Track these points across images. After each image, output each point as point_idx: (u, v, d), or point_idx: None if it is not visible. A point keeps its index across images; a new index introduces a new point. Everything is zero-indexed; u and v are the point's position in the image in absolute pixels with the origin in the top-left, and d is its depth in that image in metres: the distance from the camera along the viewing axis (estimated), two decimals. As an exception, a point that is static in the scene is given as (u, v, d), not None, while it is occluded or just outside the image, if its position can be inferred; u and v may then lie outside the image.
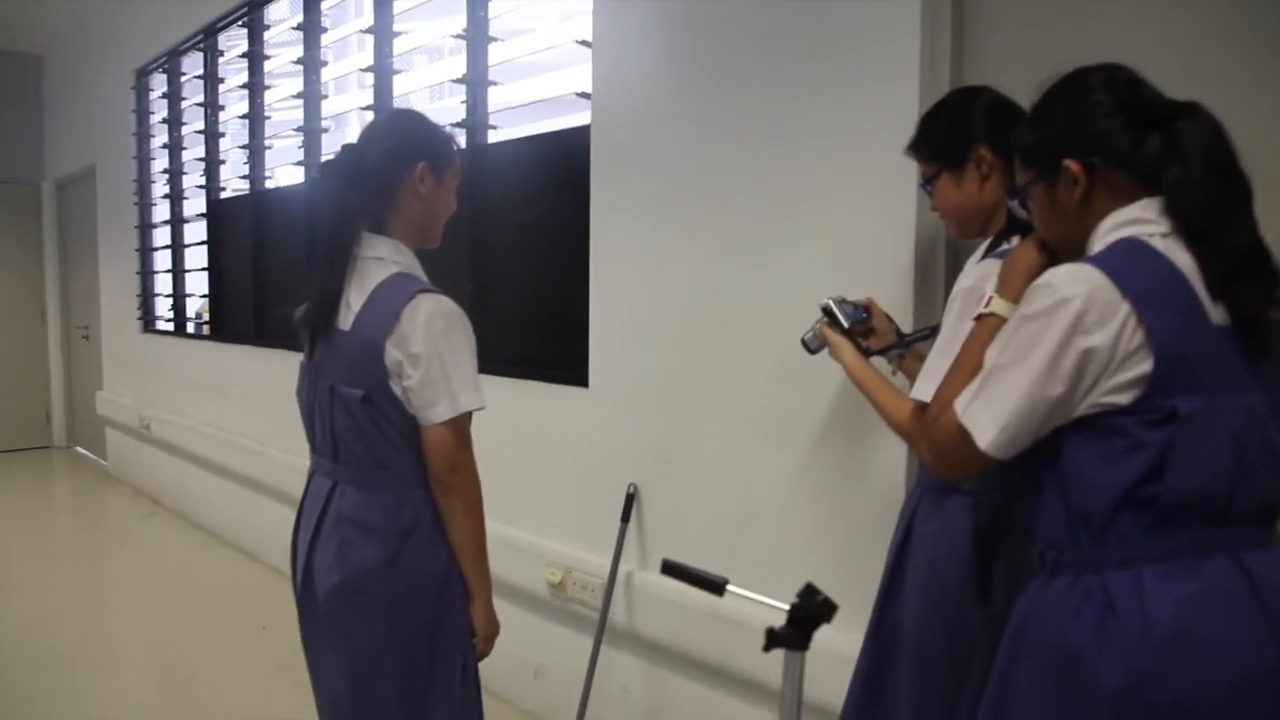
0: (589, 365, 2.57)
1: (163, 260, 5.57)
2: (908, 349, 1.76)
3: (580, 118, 2.61)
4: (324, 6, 3.96)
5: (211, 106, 4.83)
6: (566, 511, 2.68)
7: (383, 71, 3.53)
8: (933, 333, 1.56)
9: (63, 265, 7.22)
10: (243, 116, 4.47)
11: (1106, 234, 1.12)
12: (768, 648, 1.21)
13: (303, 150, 4.08)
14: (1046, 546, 1.13)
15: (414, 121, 1.64)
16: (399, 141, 1.59)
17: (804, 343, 1.74)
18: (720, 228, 2.20)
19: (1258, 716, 1.03)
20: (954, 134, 1.55)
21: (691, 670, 2.32)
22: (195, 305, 5.45)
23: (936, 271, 1.86)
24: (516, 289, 2.95)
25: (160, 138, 5.42)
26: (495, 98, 3.07)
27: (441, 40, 3.28)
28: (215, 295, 4.97)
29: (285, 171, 4.56)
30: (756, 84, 2.10)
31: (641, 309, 2.41)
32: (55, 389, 7.35)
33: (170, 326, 5.55)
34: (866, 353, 1.66)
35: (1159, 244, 1.08)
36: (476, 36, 3.04)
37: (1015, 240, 1.39)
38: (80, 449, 7.19)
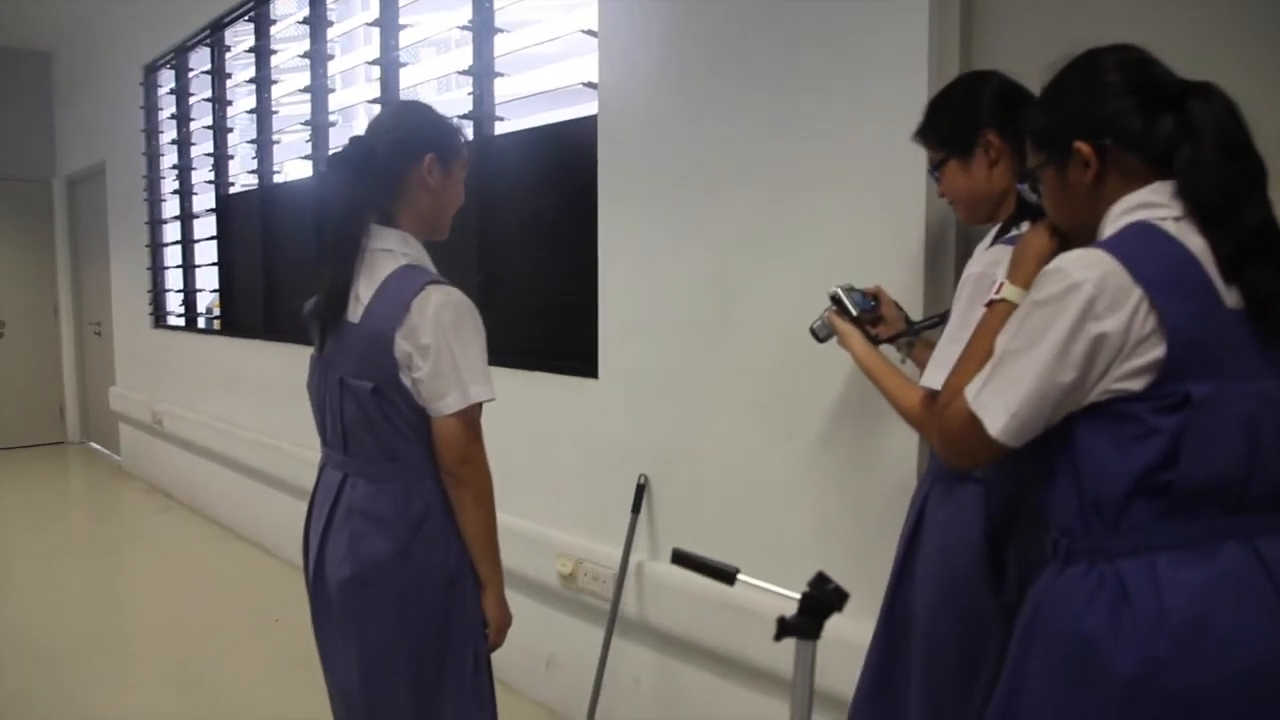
0: (598, 356, 2.57)
1: (173, 256, 5.60)
2: (917, 337, 1.75)
3: (587, 108, 2.61)
4: (329, 0, 3.96)
5: (219, 102, 4.84)
6: (577, 503, 2.68)
7: (389, 64, 3.53)
8: (942, 320, 1.55)
9: (74, 262, 7.27)
10: (250, 111, 4.48)
11: (1117, 218, 1.11)
12: (779, 637, 1.20)
13: (310, 144, 4.09)
14: (1059, 534, 1.12)
15: (421, 113, 1.64)
16: (406, 133, 1.59)
17: (812, 331, 1.73)
18: (729, 217, 2.19)
19: (1273, 704, 1.02)
20: (961, 119, 1.53)
21: (703, 660, 2.33)
22: (205, 300, 5.47)
23: (947, 259, 1.85)
24: (525, 280, 2.95)
25: (169, 133, 5.44)
26: (501, 89, 3.07)
27: (447, 32, 3.28)
28: (225, 290, 4.99)
29: (293, 166, 4.57)
30: (764, 73, 2.08)
31: (651, 299, 2.41)
32: (69, 385, 7.41)
33: (181, 322, 5.58)
34: (875, 341, 1.65)
35: (1171, 228, 1.06)
36: (482, 28, 3.04)
37: (1025, 226, 1.38)
38: (94, 444, 7.24)
